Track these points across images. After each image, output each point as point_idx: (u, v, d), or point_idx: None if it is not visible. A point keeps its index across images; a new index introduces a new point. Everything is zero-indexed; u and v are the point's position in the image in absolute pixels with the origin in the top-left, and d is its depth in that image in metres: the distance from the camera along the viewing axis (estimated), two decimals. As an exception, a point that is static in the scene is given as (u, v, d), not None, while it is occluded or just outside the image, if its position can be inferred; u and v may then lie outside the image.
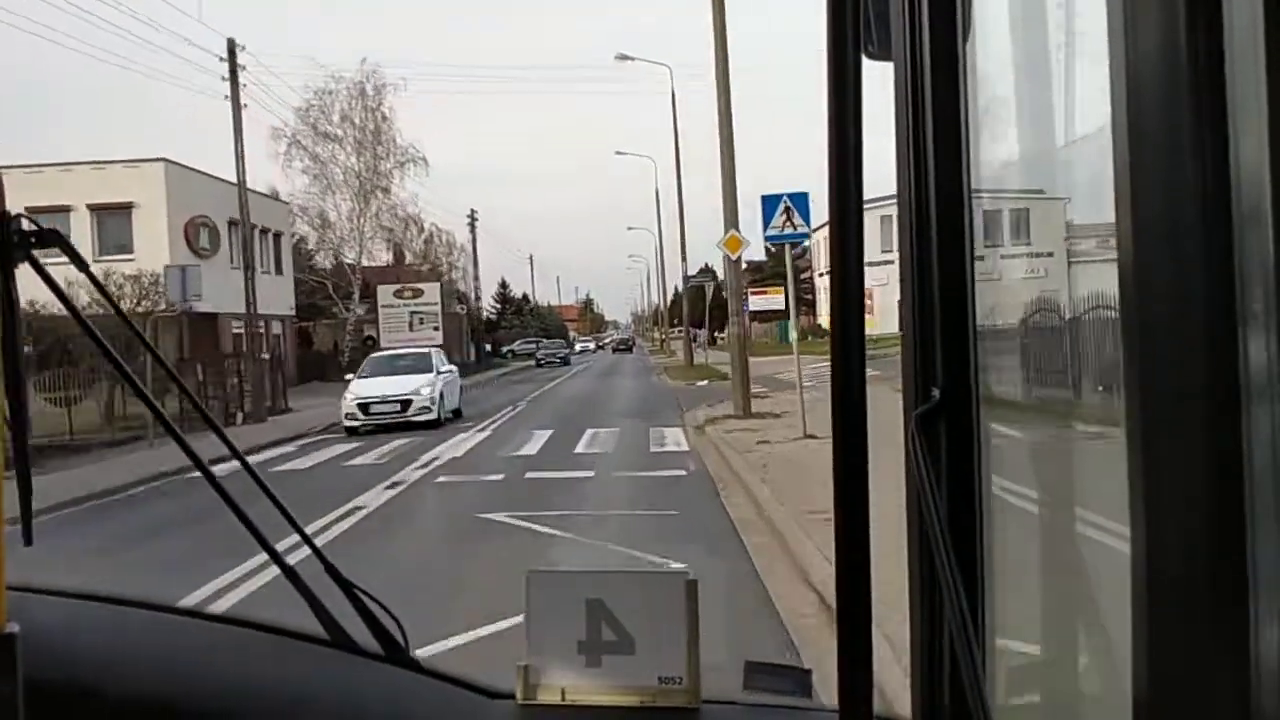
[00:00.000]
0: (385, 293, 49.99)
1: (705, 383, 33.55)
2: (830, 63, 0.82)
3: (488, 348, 73.47)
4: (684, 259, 44.73)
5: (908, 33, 0.92)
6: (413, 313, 48.96)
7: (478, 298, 65.52)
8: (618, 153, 75.39)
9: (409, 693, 1.16)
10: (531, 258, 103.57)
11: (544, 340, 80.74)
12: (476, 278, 68.48)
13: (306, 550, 1.20)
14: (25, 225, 0.97)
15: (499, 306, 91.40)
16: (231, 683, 1.16)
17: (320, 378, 42.20)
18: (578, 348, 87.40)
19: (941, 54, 0.90)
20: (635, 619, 1.14)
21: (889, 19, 0.93)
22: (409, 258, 63.64)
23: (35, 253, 0.99)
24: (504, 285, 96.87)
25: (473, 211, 70.17)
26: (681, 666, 1.13)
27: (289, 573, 1.14)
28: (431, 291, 50.59)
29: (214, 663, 1.18)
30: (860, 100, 0.82)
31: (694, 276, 48.66)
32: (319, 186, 52.95)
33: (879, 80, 0.90)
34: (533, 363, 66.46)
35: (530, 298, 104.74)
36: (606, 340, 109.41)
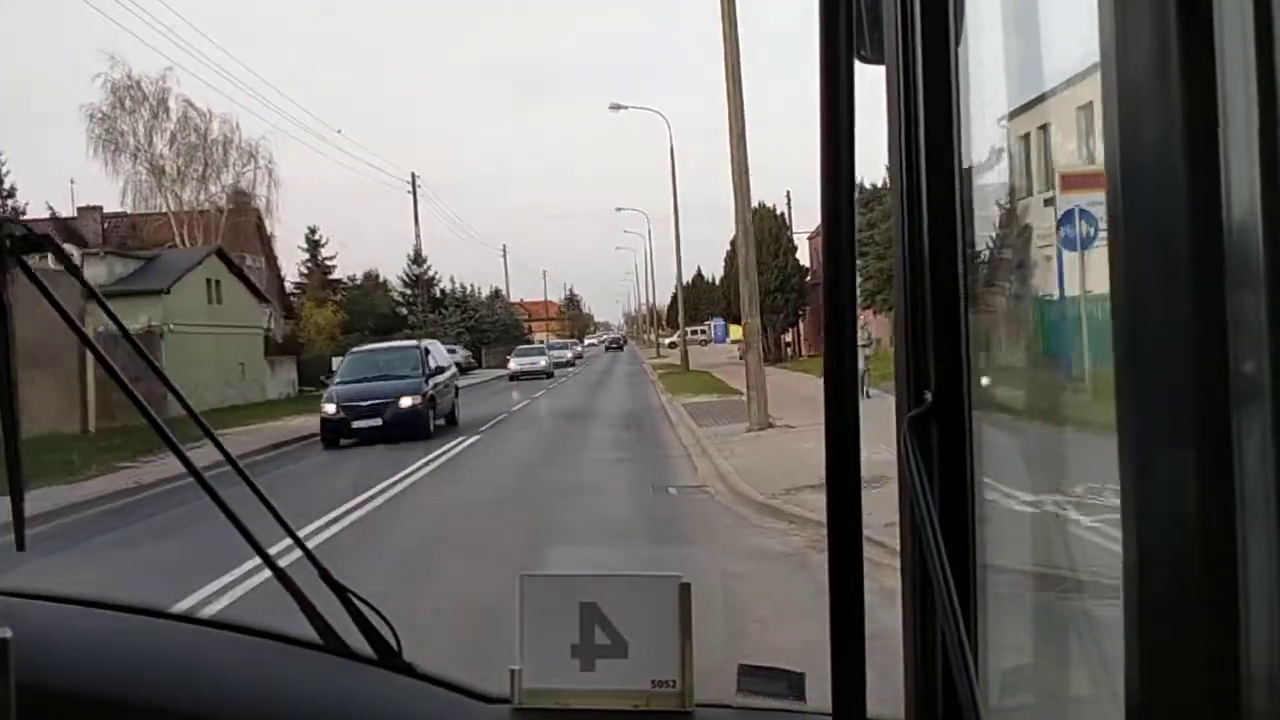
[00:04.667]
0: None
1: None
2: (823, 66, 0.82)
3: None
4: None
5: (900, 37, 0.92)
6: None
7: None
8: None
9: (403, 697, 1.16)
10: (414, 181, 52.19)
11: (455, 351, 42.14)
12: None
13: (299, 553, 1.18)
14: (16, 230, 0.97)
15: (406, 292, 57.65)
16: (226, 688, 1.15)
17: None
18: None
19: (934, 58, 0.90)
20: (628, 622, 1.14)
21: (881, 23, 0.93)
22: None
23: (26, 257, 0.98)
24: (416, 259, 58.54)
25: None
26: (675, 670, 1.13)
27: (282, 577, 1.14)
28: None
29: (208, 668, 1.18)
30: (853, 103, 0.83)
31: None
32: None
33: (872, 84, 0.90)
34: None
35: (454, 283, 65.60)
36: (570, 351, 64.74)
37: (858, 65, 0.85)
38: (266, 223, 45.16)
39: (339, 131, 63.58)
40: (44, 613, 1.20)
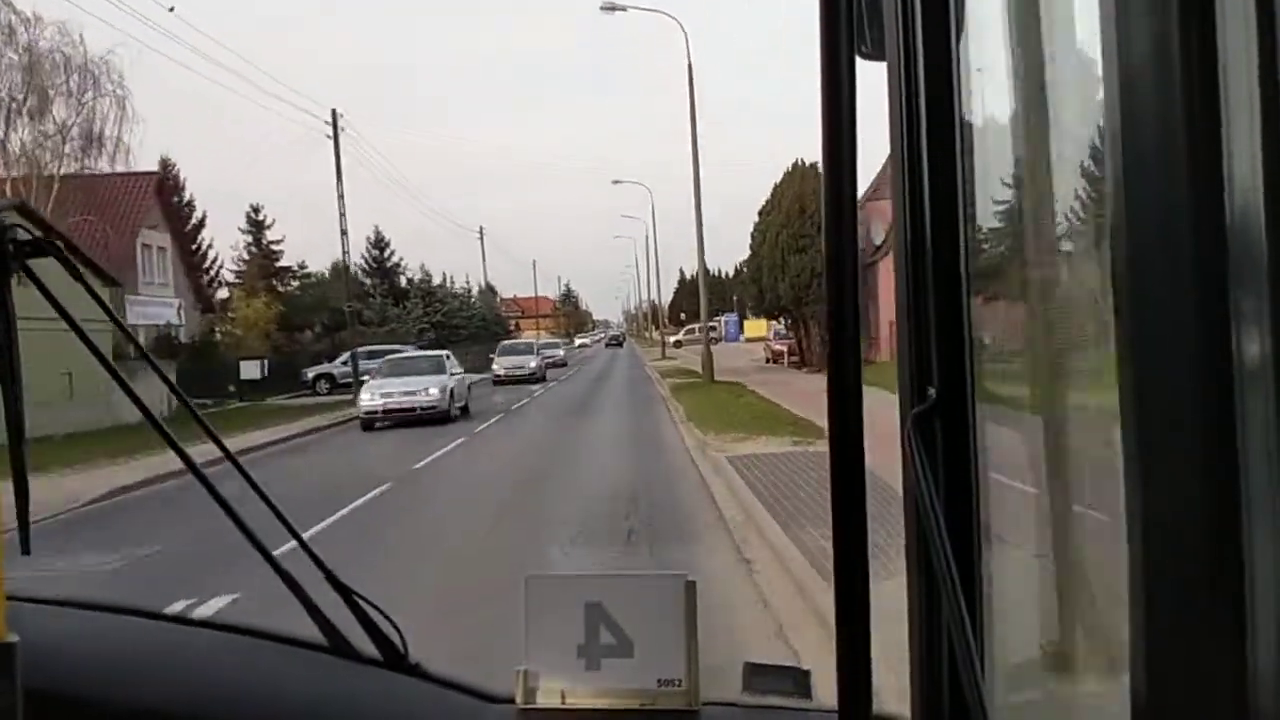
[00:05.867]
0: None
1: None
2: (823, 62, 0.82)
3: (258, 369, 35.53)
4: None
5: (901, 33, 0.92)
6: None
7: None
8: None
9: (409, 698, 1.16)
10: (335, 119, 36.61)
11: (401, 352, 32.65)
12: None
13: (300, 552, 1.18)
14: (20, 235, 0.97)
15: (366, 282, 47.49)
16: (232, 690, 1.16)
17: None
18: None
19: (935, 54, 0.90)
20: (634, 622, 1.14)
21: (882, 19, 0.93)
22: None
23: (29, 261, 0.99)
24: (377, 243, 50.37)
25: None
26: (681, 669, 1.13)
27: (287, 579, 1.14)
28: None
29: (214, 671, 1.18)
30: (854, 100, 0.82)
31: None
32: None
33: (873, 80, 0.90)
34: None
35: (424, 271, 56.56)
36: (534, 358, 41.04)
37: (859, 62, 0.85)
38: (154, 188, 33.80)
39: (171, 10, 42.31)
40: (50, 617, 1.20)
